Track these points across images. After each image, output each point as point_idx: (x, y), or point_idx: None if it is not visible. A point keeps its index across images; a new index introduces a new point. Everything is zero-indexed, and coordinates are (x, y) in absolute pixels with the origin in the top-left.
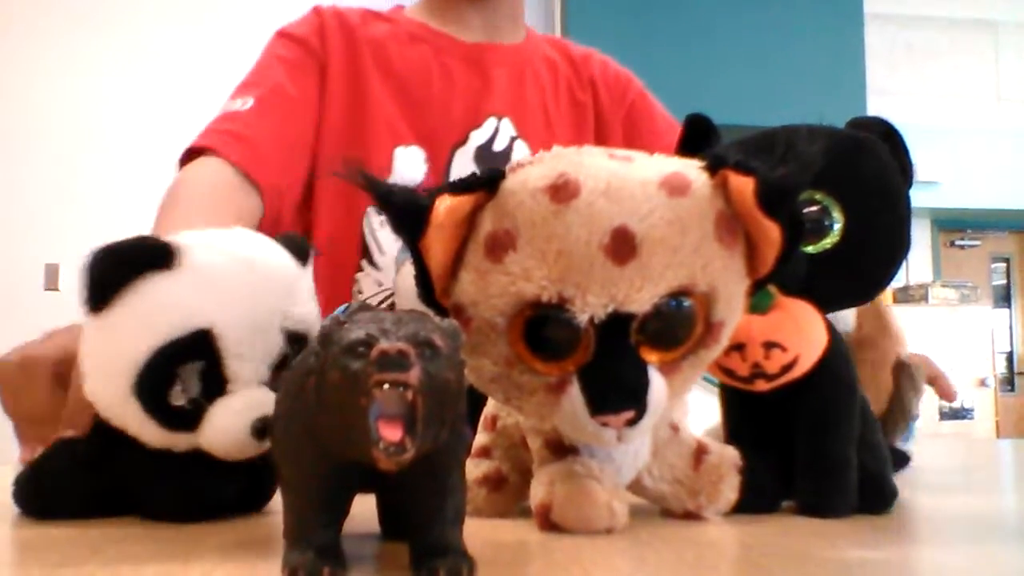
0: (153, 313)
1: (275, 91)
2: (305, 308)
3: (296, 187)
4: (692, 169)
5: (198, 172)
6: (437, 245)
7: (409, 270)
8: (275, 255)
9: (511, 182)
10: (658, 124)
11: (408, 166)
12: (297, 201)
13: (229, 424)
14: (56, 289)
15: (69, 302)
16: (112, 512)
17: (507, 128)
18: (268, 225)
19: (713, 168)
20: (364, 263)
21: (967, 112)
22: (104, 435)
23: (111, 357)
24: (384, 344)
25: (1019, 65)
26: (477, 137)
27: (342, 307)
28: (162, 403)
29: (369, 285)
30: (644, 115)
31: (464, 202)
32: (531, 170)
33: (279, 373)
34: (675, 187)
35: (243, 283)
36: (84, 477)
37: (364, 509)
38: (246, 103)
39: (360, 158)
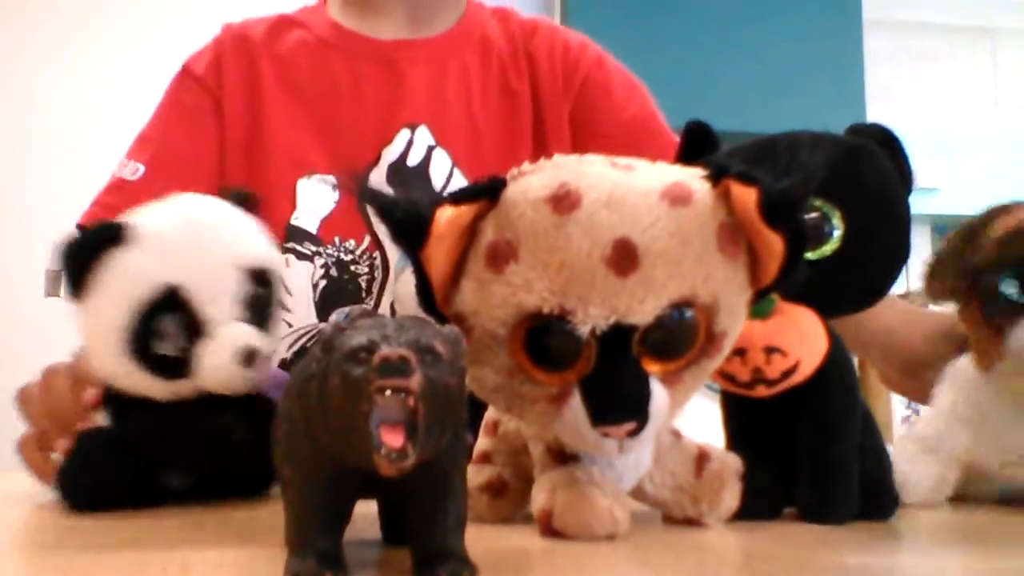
0: (123, 283)
1: (168, 149)
2: (256, 246)
3: None
4: (694, 179)
5: None
6: (438, 255)
7: (409, 277)
8: (216, 207)
9: (512, 192)
10: (615, 99)
11: (314, 197)
12: None
13: (215, 359)
14: (58, 295)
15: (71, 309)
16: (149, 494)
17: (423, 137)
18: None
19: (715, 178)
20: None
21: (966, 118)
22: (114, 409)
23: (100, 331)
24: (386, 350)
25: (1017, 71)
26: (389, 154)
27: (343, 313)
28: (152, 355)
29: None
30: (599, 90)
31: (465, 212)
32: (532, 179)
33: (250, 310)
34: (677, 197)
35: (192, 237)
36: (117, 455)
37: (366, 515)
38: (136, 171)
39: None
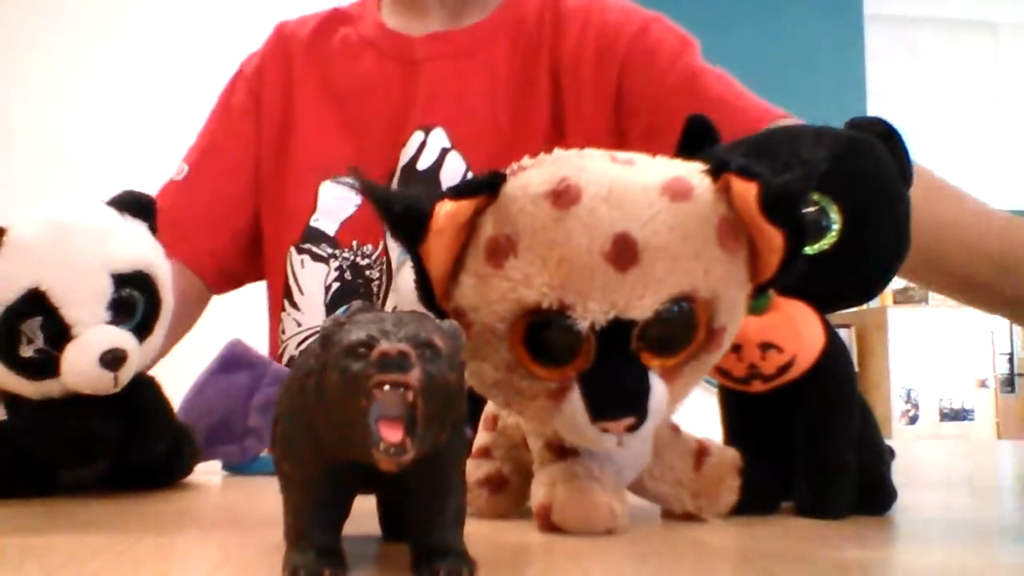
0: None
1: (210, 150)
2: (130, 250)
3: (240, 235)
4: (694, 173)
5: None
6: (438, 250)
7: (409, 272)
8: (89, 211)
9: (512, 186)
10: (657, 67)
11: (335, 200)
12: (249, 248)
13: (77, 360)
14: None
15: None
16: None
17: (438, 139)
18: (225, 283)
19: (716, 172)
20: (286, 303)
21: (967, 113)
22: (8, 404)
23: None
24: (385, 345)
25: (1018, 65)
26: (403, 157)
27: (343, 307)
28: (16, 358)
29: (290, 325)
30: (641, 61)
31: (465, 207)
32: (532, 174)
33: (121, 313)
34: (677, 192)
35: (58, 241)
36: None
37: (365, 510)
38: (182, 172)
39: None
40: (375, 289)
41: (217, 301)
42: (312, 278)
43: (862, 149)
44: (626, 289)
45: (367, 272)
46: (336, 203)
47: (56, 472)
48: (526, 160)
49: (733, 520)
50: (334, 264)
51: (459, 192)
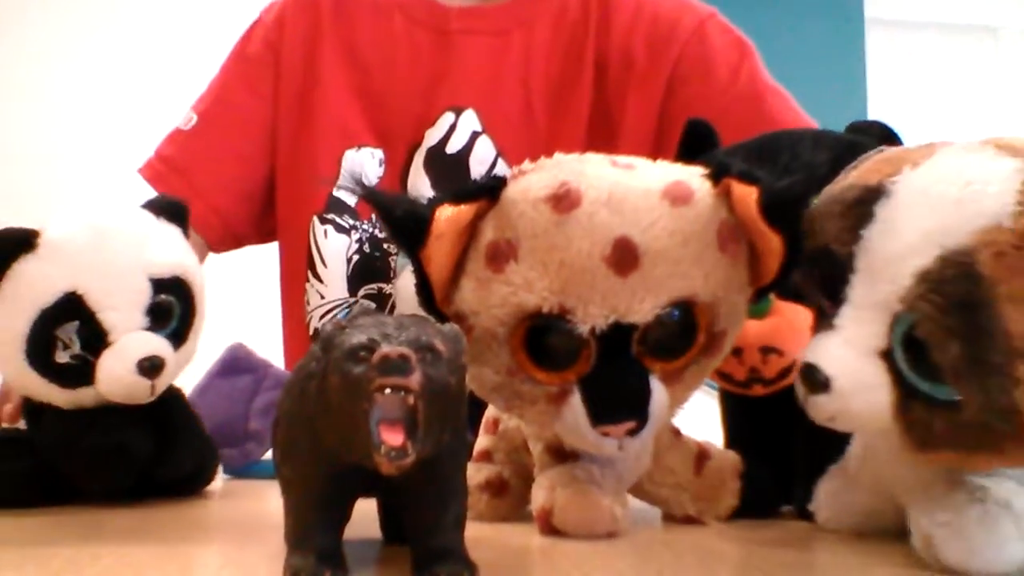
0: (24, 291)
1: (222, 101)
2: (168, 256)
3: (251, 200)
4: (695, 177)
5: None
6: (438, 255)
7: (410, 275)
8: (128, 215)
9: (512, 191)
10: (716, 76)
11: (359, 170)
12: (257, 211)
13: (114, 367)
14: None
15: None
16: (51, 495)
17: (469, 122)
18: (228, 244)
19: (716, 177)
20: (309, 274)
21: (967, 117)
22: (29, 415)
23: (4, 339)
24: (386, 348)
25: (1019, 70)
26: (431, 137)
27: (344, 310)
28: (51, 364)
29: (314, 296)
30: (696, 69)
31: (465, 211)
32: (532, 178)
33: (158, 320)
34: (678, 196)
35: (97, 244)
36: (20, 456)
37: (366, 513)
38: (190, 121)
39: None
40: (392, 264)
41: (219, 302)
42: (335, 250)
43: (862, 153)
44: (626, 293)
45: (386, 246)
46: (359, 173)
47: (80, 484)
48: (526, 164)
49: (733, 523)
50: (355, 236)
51: (459, 196)
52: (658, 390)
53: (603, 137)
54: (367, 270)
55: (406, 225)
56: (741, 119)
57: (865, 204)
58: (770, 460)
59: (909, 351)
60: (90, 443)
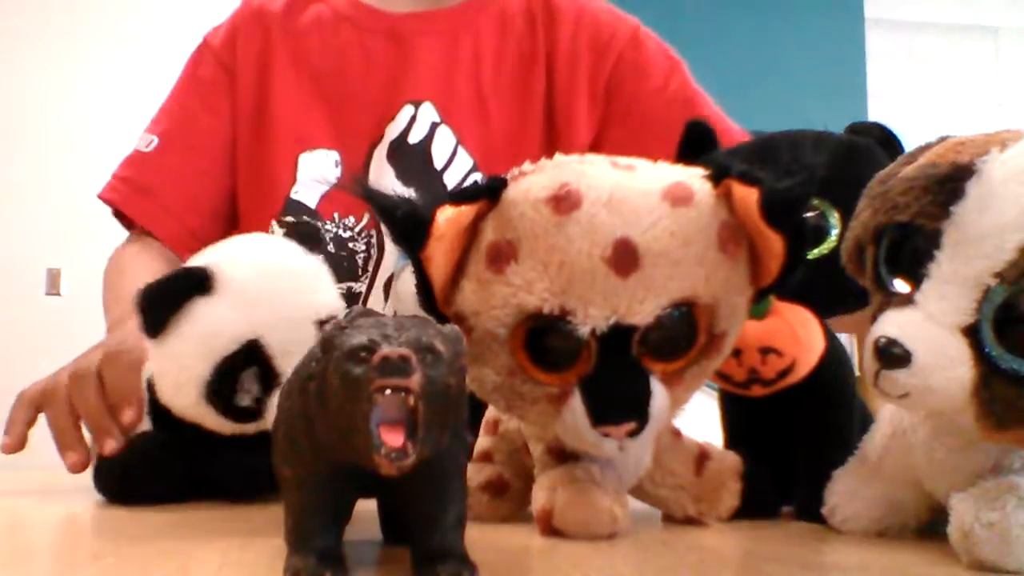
0: (206, 336)
1: (181, 122)
2: (328, 296)
3: (217, 217)
4: (695, 178)
5: (123, 254)
6: (438, 256)
7: (409, 276)
8: (294, 256)
9: (513, 192)
10: (652, 79)
11: (315, 172)
12: (224, 227)
13: None
14: (57, 294)
15: (70, 307)
16: (181, 495)
17: (427, 114)
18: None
19: (717, 178)
20: None
21: (967, 117)
22: (172, 427)
23: (178, 376)
24: (386, 349)
25: (1019, 70)
26: (391, 131)
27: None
28: (231, 406)
29: None
30: (634, 71)
31: (465, 212)
32: (533, 179)
33: None
34: (678, 197)
35: (275, 291)
36: (165, 464)
37: (366, 513)
38: (151, 143)
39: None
40: (360, 262)
41: None
42: None
43: (862, 154)
44: (627, 294)
45: (351, 244)
46: (316, 174)
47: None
48: (527, 165)
49: (734, 524)
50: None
51: (460, 197)
52: (658, 391)
53: (558, 131)
54: (334, 270)
55: (407, 226)
56: (676, 120)
57: (955, 181)
58: (770, 460)
59: (994, 327)
60: (245, 464)
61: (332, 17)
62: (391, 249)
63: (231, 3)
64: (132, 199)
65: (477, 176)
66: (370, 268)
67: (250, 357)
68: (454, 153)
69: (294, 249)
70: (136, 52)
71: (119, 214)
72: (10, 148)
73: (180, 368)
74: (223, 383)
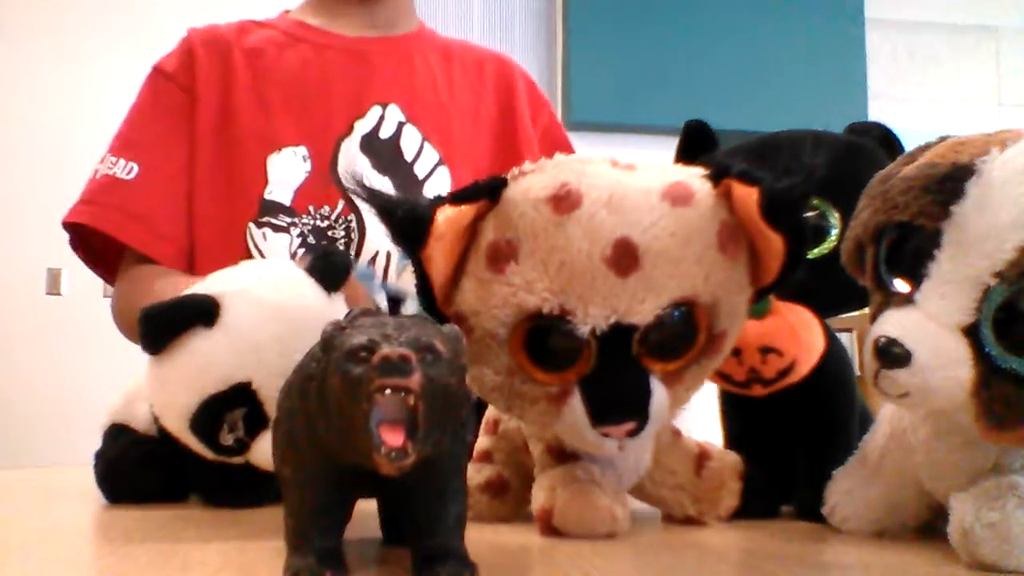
0: (199, 371)
1: (155, 148)
2: None
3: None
4: (695, 178)
5: (139, 275)
6: (438, 255)
7: (409, 276)
8: (304, 296)
9: (513, 191)
10: (546, 114)
11: (285, 170)
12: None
13: (269, 451)
14: (58, 294)
15: (70, 307)
16: (169, 498)
17: (394, 114)
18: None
19: (717, 177)
20: None
21: (968, 117)
22: (169, 439)
23: (169, 401)
24: (386, 349)
25: (1020, 70)
26: (362, 126)
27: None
28: (213, 442)
29: None
30: (536, 104)
31: (465, 212)
32: (533, 179)
33: None
34: (678, 197)
35: (275, 336)
36: (153, 470)
37: (366, 513)
38: (130, 170)
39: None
40: (342, 247)
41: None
42: (276, 249)
43: (862, 154)
44: (627, 294)
45: (330, 233)
46: (287, 173)
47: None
48: (527, 165)
49: (734, 524)
50: (295, 232)
51: (460, 197)
52: (658, 391)
53: (509, 143)
54: None
55: (406, 226)
56: (545, 139)
57: (955, 181)
58: (770, 460)
59: (994, 327)
60: (245, 475)
61: (284, 37)
62: (373, 229)
63: (231, 7)
64: (126, 228)
65: (444, 169)
66: (352, 251)
67: (239, 399)
68: (421, 148)
69: (308, 287)
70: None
71: (84, 240)
72: (10, 148)
73: (168, 394)
74: (207, 419)
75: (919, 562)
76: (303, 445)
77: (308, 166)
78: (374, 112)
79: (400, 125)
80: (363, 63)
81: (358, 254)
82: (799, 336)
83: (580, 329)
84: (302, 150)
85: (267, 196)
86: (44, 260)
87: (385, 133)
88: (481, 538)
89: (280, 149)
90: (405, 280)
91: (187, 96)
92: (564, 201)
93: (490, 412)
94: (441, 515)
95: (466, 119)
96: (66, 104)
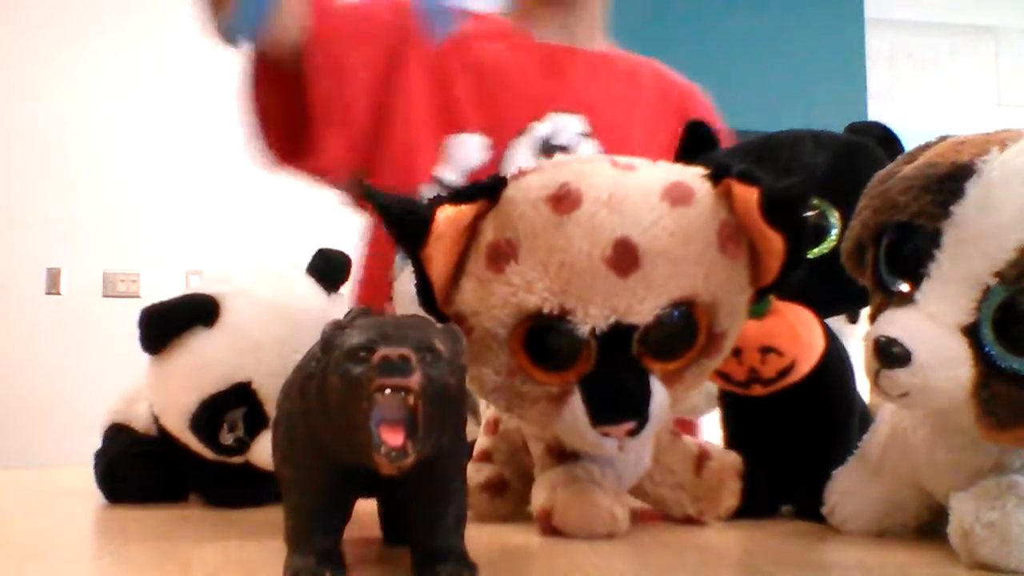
0: (199, 370)
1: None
2: None
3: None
4: (695, 178)
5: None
6: (438, 255)
7: (409, 276)
8: (304, 296)
9: (512, 191)
10: None
11: (464, 153)
12: None
13: (268, 451)
14: (57, 293)
15: (70, 307)
16: (168, 497)
17: (575, 125)
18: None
19: (717, 177)
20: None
21: (968, 117)
22: (169, 438)
23: (169, 400)
24: (385, 349)
25: (1020, 70)
26: (539, 129)
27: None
28: (213, 441)
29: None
30: None
31: (465, 212)
32: (533, 179)
33: None
34: (678, 197)
35: (276, 337)
36: (153, 470)
37: (366, 513)
38: None
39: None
40: None
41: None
42: None
43: (861, 154)
44: (627, 294)
45: None
46: (464, 157)
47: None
48: (527, 165)
49: (733, 523)
50: None
51: (459, 197)
52: (658, 390)
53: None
54: None
55: (406, 225)
56: None
57: (955, 180)
58: (770, 460)
59: (994, 327)
60: (247, 477)
61: (488, 31)
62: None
63: None
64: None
65: None
66: None
67: (239, 398)
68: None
69: (309, 288)
70: (137, 53)
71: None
72: (10, 148)
73: (168, 393)
74: (207, 418)
75: (919, 562)
76: (303, 445)
77: (485, 156)
78: (556, 117)
79: (579, 137)
80: (556, 71)
81: None
82: (799, 336)
83: (580, 329)
84: (485, 140)
85: (436, 172)
86: (43, 260)
87: (563, 140)
88: (481, 538)
89: (460, 132)
90: (404, 280)
91: (403, 35)
92: (564, 201)
93: (491, 412)
94: (441, 515)
95: (642, 144)
96: (66, 104)
